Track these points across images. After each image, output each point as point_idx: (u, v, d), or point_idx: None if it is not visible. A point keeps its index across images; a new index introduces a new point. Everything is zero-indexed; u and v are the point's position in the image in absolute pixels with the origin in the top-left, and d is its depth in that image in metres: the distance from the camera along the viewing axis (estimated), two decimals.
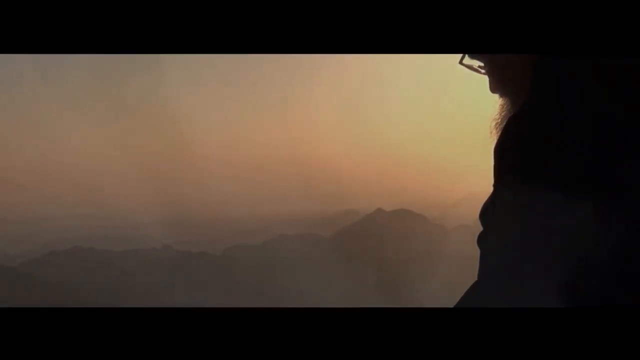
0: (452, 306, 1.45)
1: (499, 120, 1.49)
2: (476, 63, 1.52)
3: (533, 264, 1.27)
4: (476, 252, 1.40)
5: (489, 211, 1.41)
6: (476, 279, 1.42)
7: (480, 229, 1.41)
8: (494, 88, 1.50)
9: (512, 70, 1.45)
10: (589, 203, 1.25)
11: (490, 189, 1.41)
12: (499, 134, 1.41)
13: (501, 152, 1.36)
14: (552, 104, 1.32)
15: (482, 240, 1.39)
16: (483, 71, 1.51)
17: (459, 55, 1.52)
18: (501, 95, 1.50)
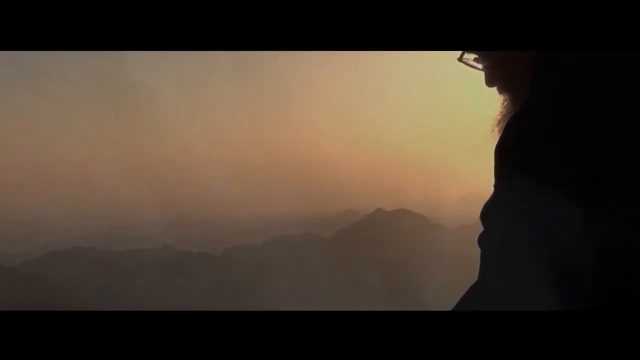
0: (452, 306, 1.43)
1: (500, 119, 1.48)
2: (473, 57, 1.50)
3: (533, 264, 1.25)
4: (476, 252, 1.39)
5: (489, 211, 1.39)
6: (476, 279, 1.41)
7: (481, 229, 1.39)
8: (490, 82, 1.48)
9: (512, 67, 1.43)
10: (590, 203, 1.23)
11: (491, 189, 1.40)
12: (499, 133, 1.40)
13: (502, 151, 1.35)
14: (553, 103, 1.30)
15: (482, 240, 1.38)
16: (480, 67, 1.50)
17: (459, 54, 1.51)
18: (499, 91, 1.49)
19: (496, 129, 1.47)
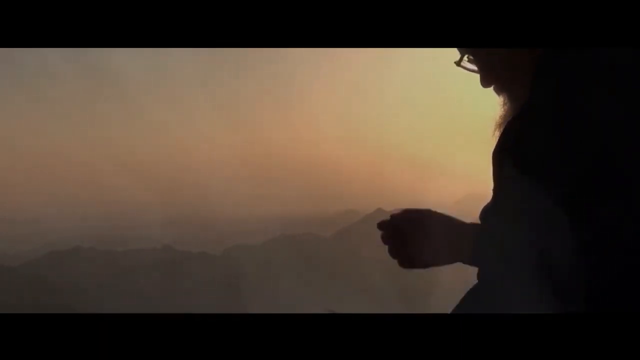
0: (453, 307, 1.43)
1: (500, 121, 1.46)
2: (468, 60, 1.48)
3: (533, 265, 1.24)
4: None
5: (489, 212, 1.40)
6: (476, 280, 1.41)
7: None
8: (485, 83, 1.47)
9: (508, 68, 1.42)
10: (590, 203, 1.23)
11: (490, 190, 1.39)
12: (499, 134, 1.40)
13: (502, 152, 1.34)
14: (553, 103, 1.29)
15: (482, 240, 1.36)
16: (475, 68, 1.48)
17: (460, 55, 1.50)
18: (497, 92, 1.48)
19: (497, 130, 1.46)
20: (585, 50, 1.29)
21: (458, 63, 1.49)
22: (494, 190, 1.38)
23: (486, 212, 1.41)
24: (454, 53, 1.51)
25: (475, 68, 1.48)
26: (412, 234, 1.38)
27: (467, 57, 1.48)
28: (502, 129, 1.40)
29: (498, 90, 1.47)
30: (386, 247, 1.42)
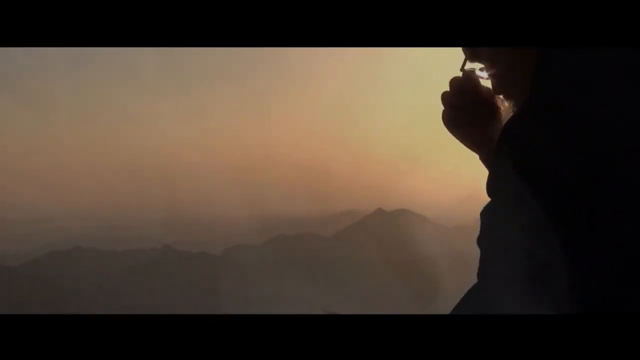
0: (453, 306, 1.43)
1: (503, 122, 1.46)
2: (479, 67, 1.49)
3: (533, 265, 1.25)
4: (476, 252, 1.39)
5: (489, 211, 1.40)
6: (476, 279, 1.41)
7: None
8: (498, 90, 1.47)
9: (516, 71, 1.42)
10: (590, 203, 1.23)
11: (491, 190, 1.40)
12: (498, 134, 1.40)
13: (501, 152, 1.34)
14: (552, 103, 1.30)
15: (482, 240, 1.38)
16: (486, 76, 1.48)
17: (460, 54, 1.50)
18: (506, 97, 1.48)
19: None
20: (586, 50, 1.29)
21: (462, 69, 1.50)
22: (493, 189, 1.39)
23: (486, 211, 1.41)
24: (457, 52, 1.51)
25: (484, 75, 1.48)
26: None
27: (480, 68, 1.48)
28: (501, 129, 1.40)
29: (507, 96, 1.47)
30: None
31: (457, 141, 1.54)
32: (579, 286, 1.22)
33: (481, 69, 1.48)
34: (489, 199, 1.42)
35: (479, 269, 1.41)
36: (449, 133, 1.56)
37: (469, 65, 1.50)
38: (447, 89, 1.52)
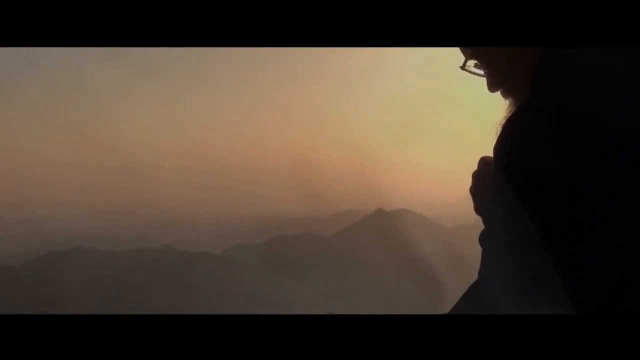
0: (453, 305, 1.42)
1: (502, 121, 1.45)
2: (474, 64, 1.48)
3: (534, 264, 1.24)
4: (477, 252, 1.39)
5: (490, 210, 1.40)
6: (476, 278, 1.40)
7: (481, 228, 1.41)
8: (492, 87, 1.47)
9: (514, 70, 1.41)
10: (590, 203, 1.22)
11: (490, 189, 1.39)
12: (498, 133, 1.39)
13: (501, 151, 1.34)
14: (552, 103, 1.28)
15: (483, 239, 1.39)
16: (482, 73, 1.48)
17: (460, 55, 1.50)
18: (504, 96, 1.47)
19: (497, 131, 1.44)
20: (585, 50, 1.28)
21: (463, 67, 1.49)
22: (492, 189, 1.38)
23: (486, 209, 1.42)
24: (457, 52, 1.50)
25: (481, 72, 1.48)
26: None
27: (474, 64, 1.48)
28: (501, 128, 1.40)
29: (504, 94, 1.47)
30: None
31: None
32: (579, 286, 1.20)
33: (476, 65, 1.49)
34: (488, 199, 1.41)
35: (481, 266, 1.40)
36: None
37: (469, 65, 1.49)
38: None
